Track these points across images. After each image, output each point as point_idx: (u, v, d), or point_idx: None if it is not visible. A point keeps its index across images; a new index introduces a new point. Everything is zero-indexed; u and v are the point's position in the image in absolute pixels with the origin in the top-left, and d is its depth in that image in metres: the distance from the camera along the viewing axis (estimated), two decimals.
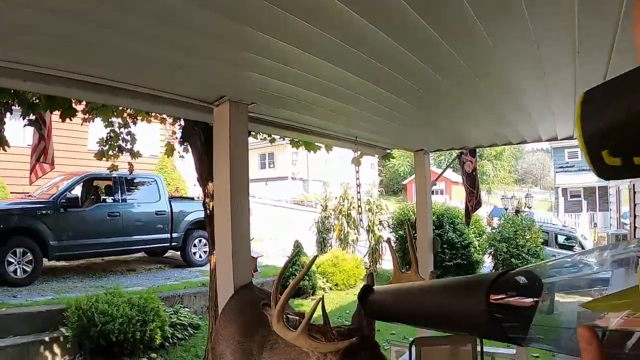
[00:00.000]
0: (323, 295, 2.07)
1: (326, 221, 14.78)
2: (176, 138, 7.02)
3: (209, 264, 6.14)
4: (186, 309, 8.51)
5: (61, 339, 6.75)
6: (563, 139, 4.56)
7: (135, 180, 11.46)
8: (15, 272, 8.78)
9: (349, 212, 14.42)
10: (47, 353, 6.60)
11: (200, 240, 11.99)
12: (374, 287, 1.82)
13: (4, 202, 10.34)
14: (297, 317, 1.78)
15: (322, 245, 14.44)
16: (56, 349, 6.68)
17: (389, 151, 5.45)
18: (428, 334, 4.68)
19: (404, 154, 32.39)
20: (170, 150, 6.73)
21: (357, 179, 4.01)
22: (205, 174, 5.88)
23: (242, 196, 2.44)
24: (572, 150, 29.60)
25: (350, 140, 3.93)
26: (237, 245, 2.38)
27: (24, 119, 5.83)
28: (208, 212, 6.01)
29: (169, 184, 16.58)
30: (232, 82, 2.34)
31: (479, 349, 4.14)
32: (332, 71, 2.17)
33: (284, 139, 6.92)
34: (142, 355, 6.91)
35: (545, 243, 13.40)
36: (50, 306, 7.28)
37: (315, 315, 1.72)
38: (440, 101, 2.95)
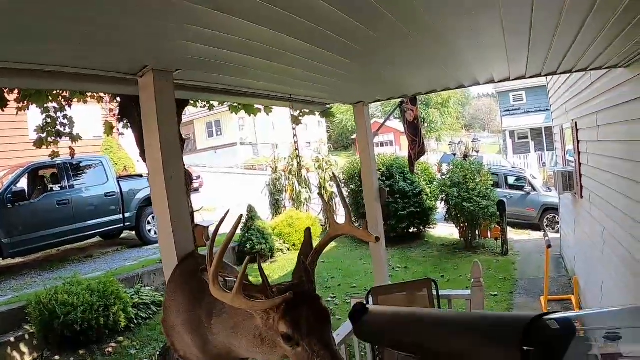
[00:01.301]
0: (258, 256, 2.04)
1: (277, 183, 14.79)
2: (114, 115, 6.78)
3: None
4: (147, 288, 8.45)
5: (26, 336, 6.62)
6: (500, 81, 4.63)
7: (80, 165, 11.13)
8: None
9: (299, 171, 14.49)
10: (14, 353, 6.46)
11: (153, 217, 11.79)
12: (368, 307, 1.83)
13: None
14: (235, 280, 1.79)
15: (276, 207, 14.49)
16: (23, 348, 6.55)
17: (328, 107, 5.45)
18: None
19: (351, 109, 32.47)
20: (109, 129, 6.50)
21: (295, 135, 3.96)
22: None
23: (175, 165, 2.39)
24: (517, 94, 30.22)
25: (285, 99, 3.88)
26: (175, 215, 2.35)
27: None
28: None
29: (116, 164, 16.18)
30: (154, 51, 2.25)
31: (434, 292, 4.26)
32: (257, 31, 2.12)
33: (222, 105, 6.78)
34: (110, 341, 6.85)
35: (496, 185, 13.81)
36: (10, 305, 7.11)
37: (254, 280, 1.73)
38: (374, 53, 2.92)
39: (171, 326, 2.23)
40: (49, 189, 10.43)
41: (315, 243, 1.96)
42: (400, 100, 6.10)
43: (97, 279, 7.33)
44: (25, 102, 5.85)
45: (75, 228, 10.40)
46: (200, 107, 6.93)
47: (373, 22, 2.30)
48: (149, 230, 11.83)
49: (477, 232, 12.13)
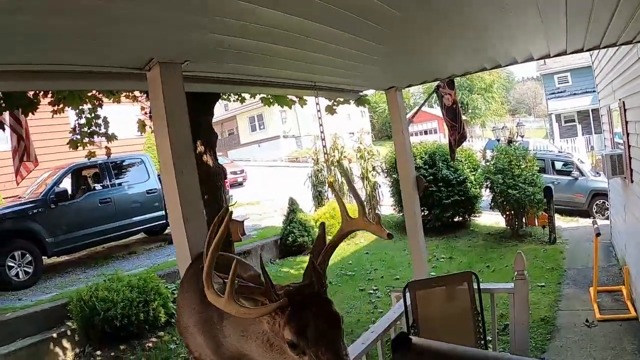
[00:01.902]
0: (260, 257, 1.90)
1: (319, 174, 14.61)
2: (146, 114, 6.84)
3: None
4: None
5: (68, 332, 6.80)
6: (540, 58, 4.36)
7: (122, 163, 11.39)
8: (17, 275, 8.78)
9: (340, 162, 14.30)
10: (57, 349, 6.64)
11: None
12: (411, 338, 1.71)
13: None
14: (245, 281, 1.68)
15: (319, 198, 14.32)
16: (65, 344, 6.72)
17: (361, 94, 5.27)
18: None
19: None
20: (142, 127, 6.59)
21: (320, 125, 3.76)
22: None
23: (186, 160, 2.30)
24: (562, 76, 29.05)
25: (309, 87, 3.72)
26: (188, 213, 2.26)
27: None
28: None
29: (158, 162, 16.40)
30: (159, 42, 2.16)
31: (475, 286, 4.02)
32: (273, 16, 2.00)
33: (254, 97, 6.67)
34: (150, 336, 6.93)
35: (542, 171, 13.24)
36: (53, 303, 7.30)
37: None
38: (406, 35, 2.77)
39: (184, 327, 2.14)
40: (92, 188, 10.68)
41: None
42: (436, 84, 5.86)
43: (138, 275, 7.42)
44: (60, 104, 5.94)
45: (118, 225, 10.63)
46: (233, 100, 6.79)
47: (405, 3, 2.15)
48: None
49: (523, 220, 11.64)
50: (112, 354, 6.53)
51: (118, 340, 6.61)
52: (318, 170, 14.72)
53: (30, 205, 9.43)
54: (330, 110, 6.20)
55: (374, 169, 13.92)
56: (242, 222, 5.93)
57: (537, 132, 39.46)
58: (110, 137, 6.71)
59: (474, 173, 12.39)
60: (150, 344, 6.71)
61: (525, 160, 11.55)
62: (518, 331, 4.08)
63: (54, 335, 6.66)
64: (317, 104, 3.69)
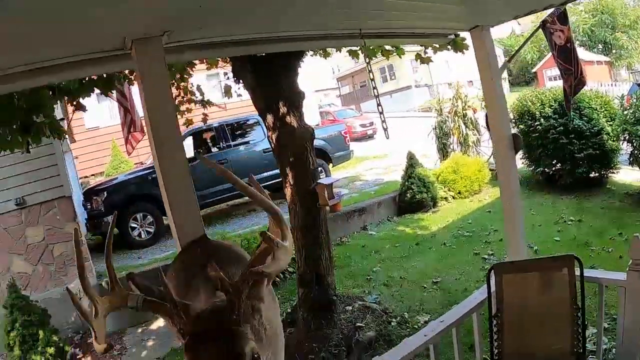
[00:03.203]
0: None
1: (444, 126, 13.78)
2: (228, 78, 6.91)
3: None
4: None
5: None
6: None
7: (238, 124, 11.75)
8: (139, 235, 9.64)
9: (464, 112, 13.36)
10: None
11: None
12: None
13: (122, 175, 11.24)
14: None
15: (444, 151, 13.58)
16: None
17: (452, 37, 4.66)
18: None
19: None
20: (228, 92, 6.65)
21: (370, 71, 3.28)
22: (261, 106, 5.69)
23: (169, 142, 2.13)
24: None
25: (355, 36, 3.27)
26: (173, 198, 2.11)
27: (106, 96, 6.01)
28: (272, 145, 5.85)
29: None
30: (126, 19, 1.98)
31: (577, 272, 3.16)
32: None
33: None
34: None
35: None
36: (167, 261, 7.76)
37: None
38: None
39: None
40: (209, 150, 11.21)
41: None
42: (541, 20, 5.04)
43: (243, 235, 7.67)
44: None
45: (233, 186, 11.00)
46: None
47: None
48: None
49: None
50: None
51: None
52: (442, 121, 13.93)
53: (150, 170, 10.14)
54: (426, 60, 5.69)
55: None
56: (331, 184, 5.71)
57: None
58: (206, 104, 6.89)
59: (610, 123, 10.71)
60: None
61: None
62: (627, 337, 3.22)
63: None
64: (365, 54, 3.27)
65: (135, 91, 6.19)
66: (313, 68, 13.77)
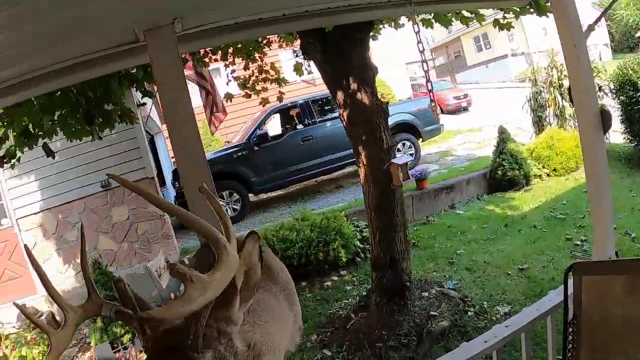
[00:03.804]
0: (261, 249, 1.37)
1: (539, 97, 12.77)
2: (297, 56, 6.79)
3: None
4: None
5: None
6: None
7: (322, 101, 11.62)
8: (226, 212, 9.85)
9: (560, 82, 12.25)
10: None
11: (403, 144, 11.72)
12: None
13: (210, 153, 11.45)
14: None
15: (539, 124, 12.61)
16: None
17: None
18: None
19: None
20: (299, 69, 6.56)
21: (419, 42, 2.93)
22: (330, 83, 5.54)
23: (187, 133, 2.04)
24: None
25: (402, 4, 2.95)
26: (192, 195, 2.02)
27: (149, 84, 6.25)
28: (344, 124, 5.68)
29: None
30: (134, 11, 1.90)
31: None
32: None
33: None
34: (332, 274, 7.09)
35: None
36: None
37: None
38: None
39: None
40: (295, 127, 11.26)
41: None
42: None
43: (323, 214, 7.60)
44: (231, 57, 6.25)
45: (320, 162, 11.02)
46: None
47: None
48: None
49: None
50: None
51: (299, 277, 6.87)
52: (537, 92, 12.91)
53: (236, 149, 10.41)
54: (507, 26, 5.22)
55: (600, 89, 11.51)
56: (405, 164, 5.44)
57: None
58: (281, 82, 6.88)
59: None
60: (330, 283, 6.86)
61: None
62: None
63: None
64: (415, 23, 2.95)
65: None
66: (407, 39, 13.21)
